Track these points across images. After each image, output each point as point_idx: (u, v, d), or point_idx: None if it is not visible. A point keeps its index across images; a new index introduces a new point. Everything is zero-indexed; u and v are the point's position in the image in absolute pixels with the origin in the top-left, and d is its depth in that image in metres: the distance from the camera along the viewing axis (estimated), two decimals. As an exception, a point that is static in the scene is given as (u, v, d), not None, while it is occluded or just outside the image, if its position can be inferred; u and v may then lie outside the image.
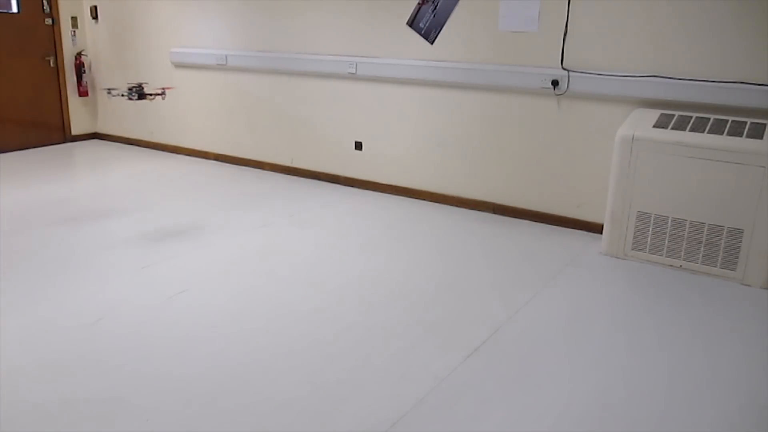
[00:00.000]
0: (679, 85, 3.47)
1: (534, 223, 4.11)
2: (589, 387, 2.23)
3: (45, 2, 5.86)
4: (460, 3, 4.12)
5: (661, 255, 3.38)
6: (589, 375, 2.31)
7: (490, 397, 2.16)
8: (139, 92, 3.80)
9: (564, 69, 3.82)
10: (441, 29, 4.22)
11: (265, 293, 2.94)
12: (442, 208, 4.40)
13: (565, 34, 3.79)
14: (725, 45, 3.35)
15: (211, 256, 3.39)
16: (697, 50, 3.43)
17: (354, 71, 4.63)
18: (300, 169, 5.16)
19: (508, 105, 4.08)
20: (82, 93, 6.25)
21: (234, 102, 5.40)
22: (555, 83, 3.83)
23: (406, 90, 4.48)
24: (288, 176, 5.18)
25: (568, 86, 3.81)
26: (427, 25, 4.26)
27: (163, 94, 3.89)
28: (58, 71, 6.07)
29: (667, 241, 3.35)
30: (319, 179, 5.07)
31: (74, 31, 6.14)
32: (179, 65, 5.66)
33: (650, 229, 3.39)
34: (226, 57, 5.26)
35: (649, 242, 3.40)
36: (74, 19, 6.12)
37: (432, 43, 4.29)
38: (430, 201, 4.53)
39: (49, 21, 5.93)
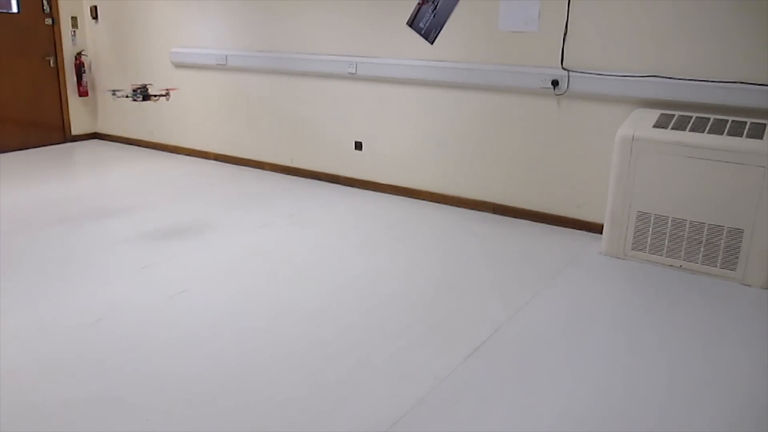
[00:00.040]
0: (679, 85, 3.47)
1: (534, 223, 4.11)
2: (589, 387, 2.24)
3: (45, 2, 5.86)
4: (460, 3, 4.12)
5: (661, 255, 3.38)
6: (589, 375, 2.31)
7: (490, 397, 2.16)
8: (143, 93, 3.79)
9: (564, 69, 3.82)
10: (441, 29, 4.22)
11: (265, 293, 2.94)
12: (442, 208, 4.40)
13: (565, 34, 3.80)
14: (725, 45, 3.35)
15: (211, 256, 3.39)
16: (697, 50, 3.43)
17: (354, 71, 4.63)
18: (300, 169, 5.16)
19: (508, 105, 4.08)
20: (82, 93, 6.25)
21: (234, 102, 5.40)
22: (555, 83, 3.83)
23: (406, 90, 4.48)
24: (288, 176, 5.18)
25: (568, 86, 3.81)
26: (427, 25, 4.26)
27: (167, 95, 3.88)
28: (58, 71, 6.07)
29: (667, 241, 3.35)
30: (319, 179, 5.07)
31: (74, 31, 6.14)
32: (179, 65, 5.66)
33: (650, 229, 3.39)
34: (226, 57, 5.26)
35: (649, 242, 3.40)
36: (74, 19, 6.12)
37: (432, 43, 4.29)
38: (430, 201, 4.53)
39: (49, 21, 5.93)
